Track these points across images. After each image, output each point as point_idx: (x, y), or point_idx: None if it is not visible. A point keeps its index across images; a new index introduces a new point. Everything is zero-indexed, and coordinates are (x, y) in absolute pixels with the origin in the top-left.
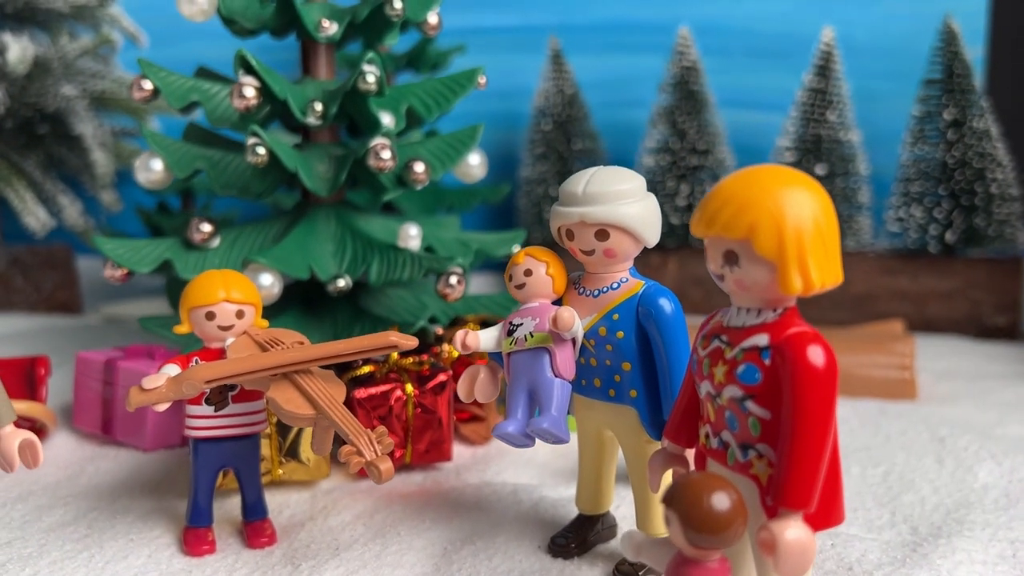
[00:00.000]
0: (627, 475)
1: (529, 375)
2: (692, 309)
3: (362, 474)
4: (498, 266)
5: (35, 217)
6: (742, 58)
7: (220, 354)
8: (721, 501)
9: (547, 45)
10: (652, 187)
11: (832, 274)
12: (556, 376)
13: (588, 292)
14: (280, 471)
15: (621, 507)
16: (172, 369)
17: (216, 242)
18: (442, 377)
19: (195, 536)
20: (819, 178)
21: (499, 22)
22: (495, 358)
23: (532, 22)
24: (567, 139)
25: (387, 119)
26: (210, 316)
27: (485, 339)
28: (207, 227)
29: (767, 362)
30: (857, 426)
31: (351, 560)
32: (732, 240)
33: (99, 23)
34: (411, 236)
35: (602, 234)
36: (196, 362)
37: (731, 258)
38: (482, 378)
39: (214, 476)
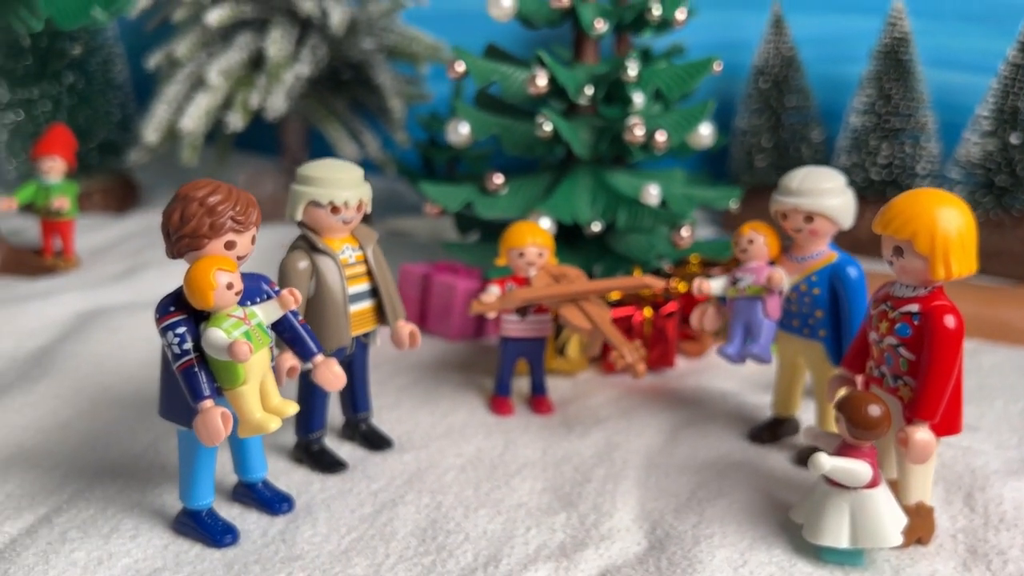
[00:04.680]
0: (811, 390)
1: (746, 315)
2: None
3: (610, 369)
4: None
5: (345, 151)
6: (953, 21)
7: (525, 281)
8: (874, 410)
9: (769, 9)
10: (856, 144)
11: (967, 267)
12: (766, 317)
13: (795, 258)
14: (553, 363)
15: (802, 414)
16: (495, 288)
17: (505, 190)
18: (671, 307)
19: (500, 402)
20: (1013, 147)
21: None
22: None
23: None
24: (781, 95)
25: (638, 98)
26: (520, 255)
27: (715, 286)
28: (499, 179)
29: (916, 323)
30: (1009, 370)
31: (607, 428)
32: (900, 239)
33: None
34: (651, 194)
35: (809, 218)
36: (510, 287)
37: (898, 251)
38: (709, 312)
39: (514, 362)
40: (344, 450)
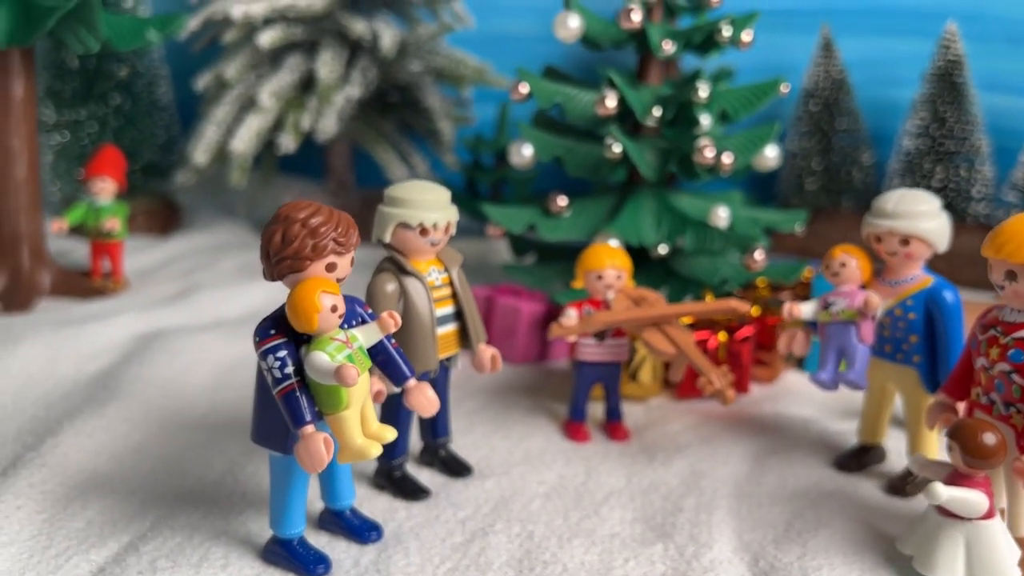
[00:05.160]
0: (900, 417)
1: (840, 340)
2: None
3: (683, 394)
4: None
5: (396, 173)
6: (1005, 44)
7: (602, 304)
8: (990, 438)
9: (818, 31)
10: (909, 167)
11: None
12: (860, 342)
13: (889, 282)
14: (626, 388)
15: (889, 441)
16: (572, 312)
17: (568, 212)
18: (746, 331)
19: (576, 428)
20: None
21: (772, 6)
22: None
23: (800, 6)
24: (831, 118)
25: (705, 120)
26: (599, 277)
27: (806, 310)
28: (563, 201)
29: None
30: None
31: (690, 456)
32: (1014, 263)
33: (438, 7)
34: (720, 216)
35: (905, 242)
36: (587, 310)
37: (1011, 275)
38: (799, 337)
39: (591, 387)
40: (424, 476)
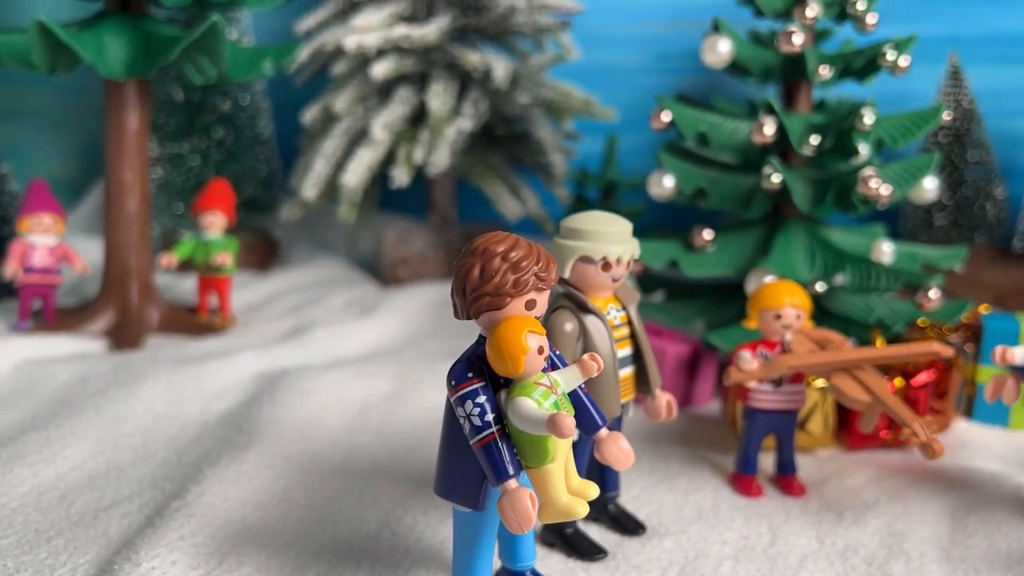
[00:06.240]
0: None
1: None
2: None
3: (861, 443)
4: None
5: (507, 207)
6: None
7: (777, 347)
8: None
9: (946, 60)
10: None
11: None
12: None
13: None
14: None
15: None
16: (747, 354)
17: (712, 247)
18: (924, 376)
19: (747, 482)
20: None
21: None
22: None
23: (925, 34)
24: (963, 150)
25: (864, 149)
26: (777, 317)
27: (1020, 355)
28: (708, 234)
29: None
30: None
31: (882, 514)
32: None
33: (542, 39)
34: (884, 252)
35: None
36: (762, 352)
37: None
38: (1010, 384)
39: (764, 437)
40: (592, 533)
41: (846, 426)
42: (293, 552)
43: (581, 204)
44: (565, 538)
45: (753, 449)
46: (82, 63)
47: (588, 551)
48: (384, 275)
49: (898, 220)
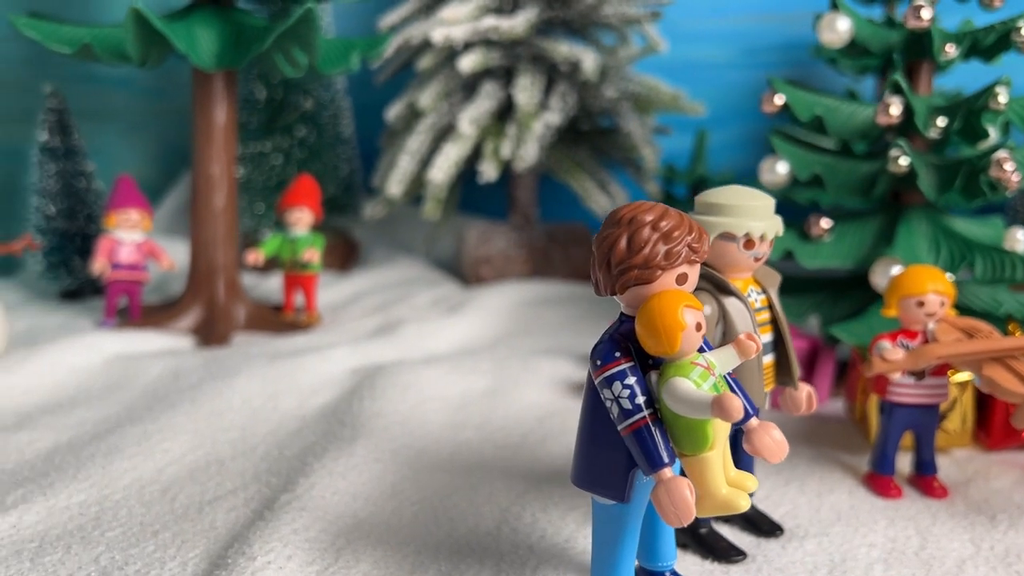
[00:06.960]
0: None
1: None
2: None
3: (1004, 442)
4: None
5: (598, 203)
6: None
7: (918, 336)
8: None
9: None
10: None
11: None
12: None
13: None
14: None
15: None
16: (887, 343)
17: (829, 237)
18: None
19: (884, 482)
20: None
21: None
22: None
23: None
24: None
25: (993, 132)
26: (920, 304)
27: None
28: (826, 223)
29: None
30: None
31: None
32: None
33: (629, 31)
34: (1019, 240)
35: None
36: (902, 342)
37: None
38: None
39: (902, 434)
40: (725, 534)
41: (985, 424)
42: (410, 549)
43: (669, 202)
44: (699, 538)
45: (892, 447)
46: (170, 58)
47: (726, 552)
48: (466, 274)
49: (1004, 210)
